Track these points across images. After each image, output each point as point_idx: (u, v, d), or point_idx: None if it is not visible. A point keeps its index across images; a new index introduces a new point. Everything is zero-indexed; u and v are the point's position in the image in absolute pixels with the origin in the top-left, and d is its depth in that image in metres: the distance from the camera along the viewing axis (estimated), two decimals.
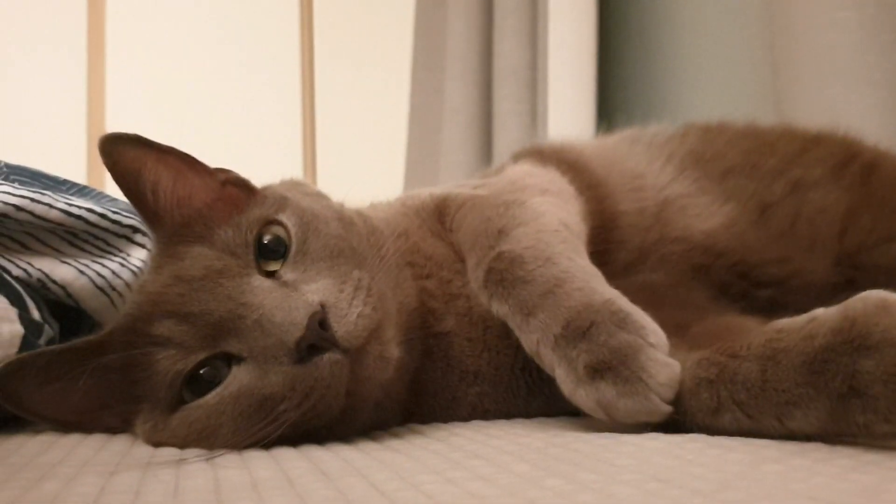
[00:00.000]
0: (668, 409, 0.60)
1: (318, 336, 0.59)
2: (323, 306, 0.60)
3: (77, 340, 0.68)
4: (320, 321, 0.59)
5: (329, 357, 0.59)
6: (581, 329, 0.63)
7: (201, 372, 0.62)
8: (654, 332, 0.63)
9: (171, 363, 0.62)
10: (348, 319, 0.60)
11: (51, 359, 0.67)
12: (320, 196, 0.78)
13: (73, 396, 0.67)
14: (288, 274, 0.64)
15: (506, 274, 0.69)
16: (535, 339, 0.66)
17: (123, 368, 0.65)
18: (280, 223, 0.68)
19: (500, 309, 0.70)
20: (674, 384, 0.61)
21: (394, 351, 0.65)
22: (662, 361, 0.61)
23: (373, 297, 0.63)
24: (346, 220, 0.72)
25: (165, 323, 0.63)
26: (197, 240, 0.67)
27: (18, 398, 0.66)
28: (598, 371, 0.62)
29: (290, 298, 0.61)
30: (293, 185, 0.79)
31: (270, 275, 0.65)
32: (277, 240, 0.67)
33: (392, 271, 0.72)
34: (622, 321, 0.63)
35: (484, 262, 0.71)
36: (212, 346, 0.61)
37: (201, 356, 0.61)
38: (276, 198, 0.72)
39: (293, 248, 0.66)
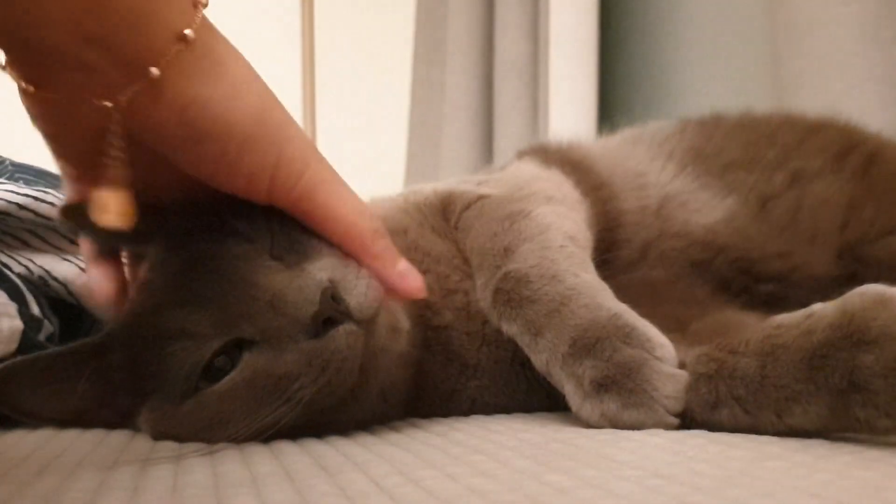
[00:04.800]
0: (674, 420, 0.61)
1: (332, 309, 0.58)
2: (331, 282, 0.60)
3: (75, 343, 0.67)
4: (332, 295, 0.59)
5: (344, 328, 0.59)
6: (587, 346, 0.64)
7: (215, 361, 0.61)
8: (660, 344, 0.63)
9: (186, 355, 0.61)
10: (358, 291, 0.60)
11: (48, 363, 0.65)
12: None
13: (71, 398, 0.66)
14: (291, 257, 0.64)
15: (512, 294, 0.69)
16: (544, 358, 0.66)
17: (128, 367, 0.64)
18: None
19: (509, 329, 0.70)
20: (680, 395, 0.61)
21: (404, 321, 0.65)
22: (668, 373, 0.61)
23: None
24: None
25: (177, 313, 0.61)
26: (206, 228, 0.66)
27: (15, 402, 0.65)
28: (603, 386, 0.62)
29: (298, 278, 0.60)
30: None
31: (277, 259, 0.64)
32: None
33: None
34: (627, 336, 0.63)
35: (491, 283, 0.72)
36: (225, 333, 0.60)
37: (216, 345, 0.60)
38: None
39: (281, 227, 0.65)
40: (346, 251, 0.65)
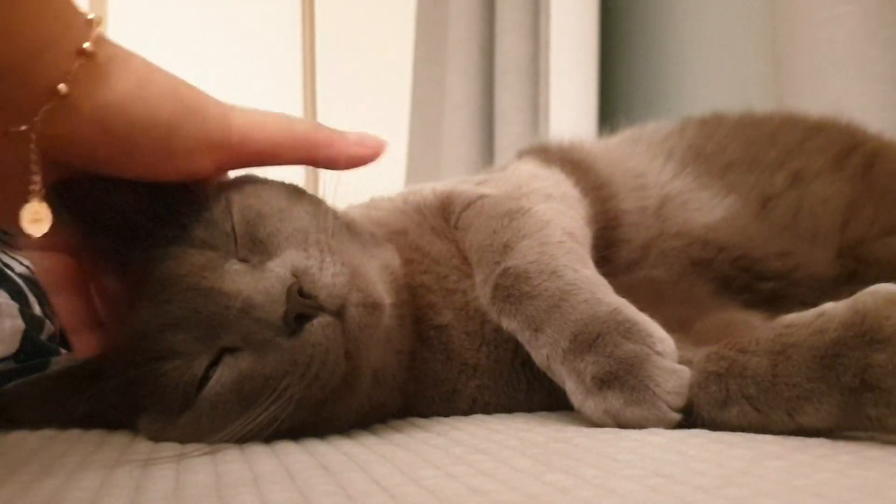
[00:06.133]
0: (676, 416, 0.61)
1: (301, 305, 0.58)
2: (295, 275, 0.59)
3: (73, 365, 0.68)
4: (299, 290, 0.58)
5: (319, 321, 0.58)
6: (588, 341, 0.64)
7: (209, 373, 0.61)
8: (661, 339, 0.63)
9: (179, 374, 0.61)
10: (324, 281, 0.60)
11: (48, 385, 0.67)
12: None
13: (71, 417, 0.67)
14: (256, 257, 0.63)
15: (512, 290, 0.69)
16: (544, 353, 0.67)
17: (122, 390, 0.64)
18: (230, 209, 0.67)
19: (509, 325, 0.70)
20: (682, 391, 0.61)
21: (383, 296, 0.63)
22: (669, 369, 0.61)
23: (337, 254, 0.62)
24: (290, 190, 0.71)
25: (162, 336, 0.62)
26: (171, 242, 0.65)
27: (18, 421, 0.68)
28: (605, 382, 0.62)
29: (262, 279, 0.60)
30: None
31: (244, 261, 0.64)
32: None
33: (347, 238, 0.69)
34: (628, 331, 0.63)
35: (491, 279, 0.72)
36: (210, 347, 0.61)
37: (205, 361, 0.61)
38: (220, 186, 0.70)
39: (239, 230, 0.65)
40: (302, 160, 0.67)
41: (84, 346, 0.70)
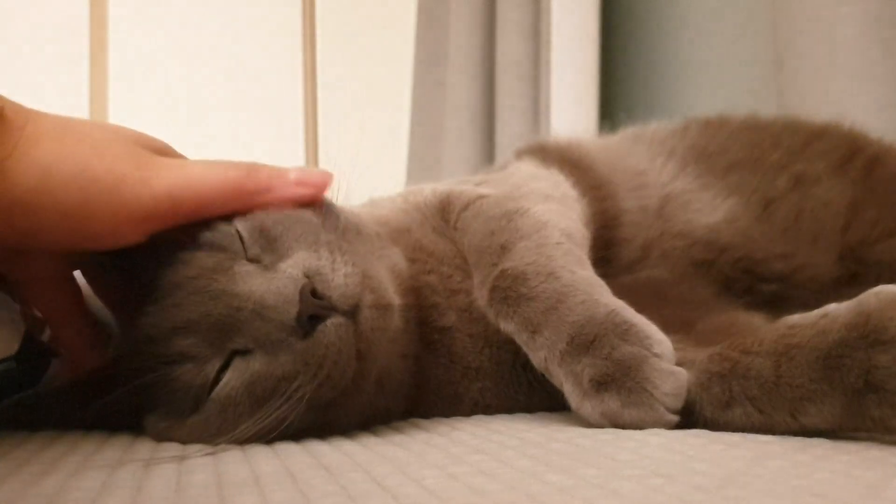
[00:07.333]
0: (674, 418, 0.61)
1: (315, 305, 0.58)
2: (308, 276, 0.59)
3: (81, 375, 0.68)
4: (312, 291, 0.58)
5: (332, 322, 0.58)
6: (585, 343, 0.64)
7: (220, 377, 0.61)
8: (658, 341, 0.63)
9: (190, 378, 0.61)
10: (337, 282, 0.60)
11: (57, 396, 0.67)
12: None
13: (80, 424, 0.68)
14: (266, 258, 0.63)
15: (509, 292, 0.69)
16: (542, 356, 0.67)
17: (131, 396, 0.63)
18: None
19: (506, 327, 0.70)
20: (680, 393, 0.61)
21: (393, 297, 0.64)
22: (667, 371, 0.61)
23: (347, 254, 0.63)
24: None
25: (173, 340, 0.62)
26: (177, 246, 0.65)
27: (27, 429, 0.68)
28: (602, 384, 0.62)
29: (274, 280, 0.60)
30: None
31: (253, 262, 0.64)
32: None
33: (355, 238, 0.70)
34: (625, 333, 0.63)
35: (488, 281, 0.72)
36: (222, 350, 0.61)
37: (217, 364, 0.61)
38: None
39: (248, 231, 0.65)
40: (239, 209, 0.66)
41: (69, 369, 0.71)
